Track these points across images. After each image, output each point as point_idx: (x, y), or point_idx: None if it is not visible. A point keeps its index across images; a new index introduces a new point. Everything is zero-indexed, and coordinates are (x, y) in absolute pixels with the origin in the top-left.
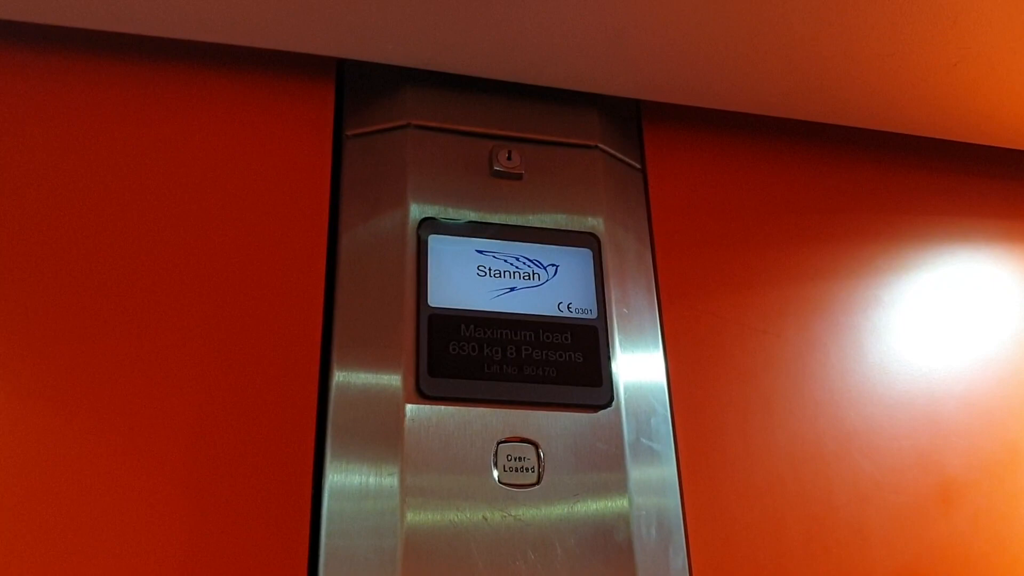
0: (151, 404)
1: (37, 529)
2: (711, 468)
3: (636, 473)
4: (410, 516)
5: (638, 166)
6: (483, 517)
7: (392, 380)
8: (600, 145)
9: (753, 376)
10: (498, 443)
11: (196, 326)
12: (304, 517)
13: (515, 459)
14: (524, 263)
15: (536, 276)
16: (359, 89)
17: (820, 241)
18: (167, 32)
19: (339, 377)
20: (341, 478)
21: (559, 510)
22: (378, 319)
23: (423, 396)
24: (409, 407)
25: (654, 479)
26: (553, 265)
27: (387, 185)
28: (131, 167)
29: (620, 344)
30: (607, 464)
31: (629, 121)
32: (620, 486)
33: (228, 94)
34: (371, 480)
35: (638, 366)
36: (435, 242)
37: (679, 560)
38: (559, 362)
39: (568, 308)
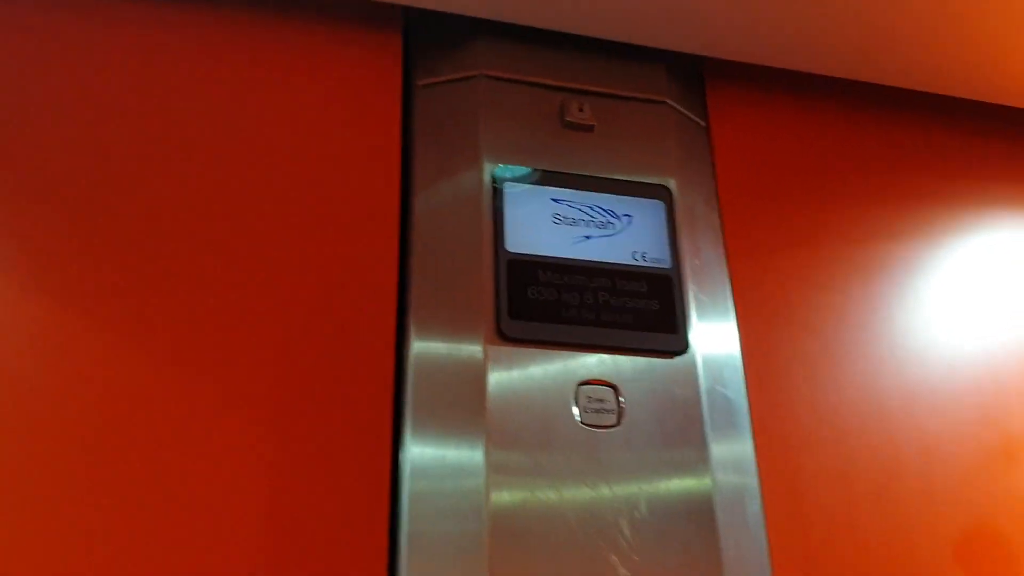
0: (227, 371)
1: (126, 471)
2: (781, 418)
3: (712, 419)
4: (494, 493)
5: (703, 123)
6: (566, 462)
7: (473, 339)
8: (668, 101)
9: (819, 331)
10: (578, 385)
11: (271, 289)
12: (383, 498)
13: (595, 400)
14: (599, 212)
15: (611, 225)
16: (428, 39)
17: (884, 201)
18: None
19: (417, 342)
20: (421, 453)
21: (640, 454)
22: (457, 268)
23: (505, 338)
24: (492, 349)
25: (728, 427)
26: (627, 216)
27: (460, 135)
28: (202, 120)
29: (693, 295)
30: (685, 410)
31: (694, 78)
32: (697, 432)
33: (296, 45)
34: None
35: (711, 317)
36: (511, 190)
37: (754, 505)
38: (636, 309)
39: (643, 257)
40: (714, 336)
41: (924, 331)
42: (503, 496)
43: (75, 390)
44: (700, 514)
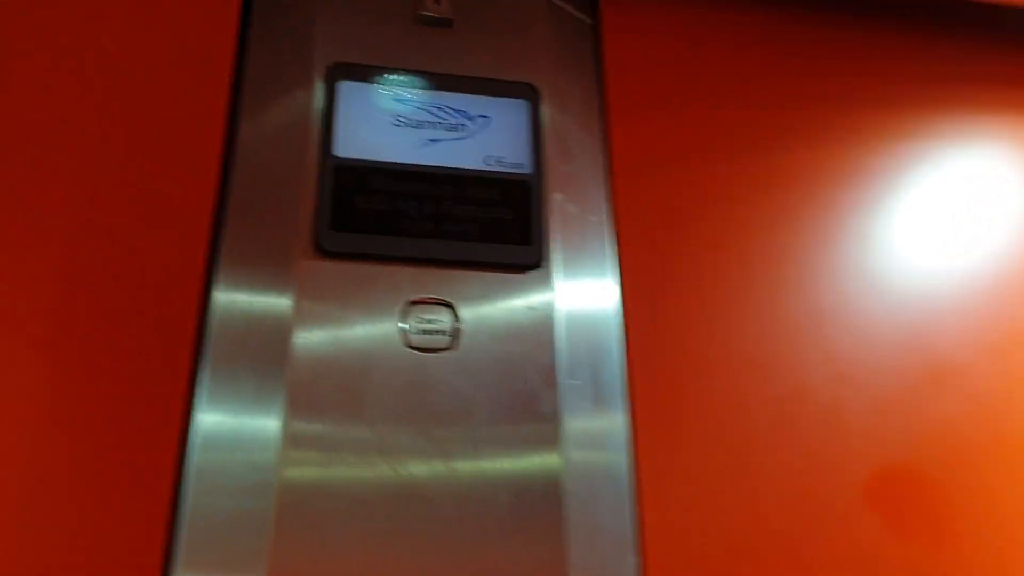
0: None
1: None
2: (660, 337)
3: (572, 341)
4: (289, 468)
5: (589, 20)
6: (382, 389)
7: (285, 264)
8: None
9: (714, 249)
10: (408, 303)
11: (66, 212)
12: (167, 470)
13: (426, 320)
14: (449, 113)
15: (462, 128)
16: None
17: (796, 107)
18: None
19: (222, 287)
20: (215, 421)
21: (475, 386)
22: (277, 183)
23: (325, 254)
24: (307, 267)
25: (594, 345)
26: (483, 116)
27: (295, 38)
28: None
29: (558, 204)
30: (536, 338)
31: None
32: (547, 354)
33: None
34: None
35: (580, 232)
36: (345, 90)
37: (616, 420)
38: (484, 219)
39: (498, 162)
40: (582, 250)
41: (839, 247)
42: (298, 472)
43: None
44: (545, 487)
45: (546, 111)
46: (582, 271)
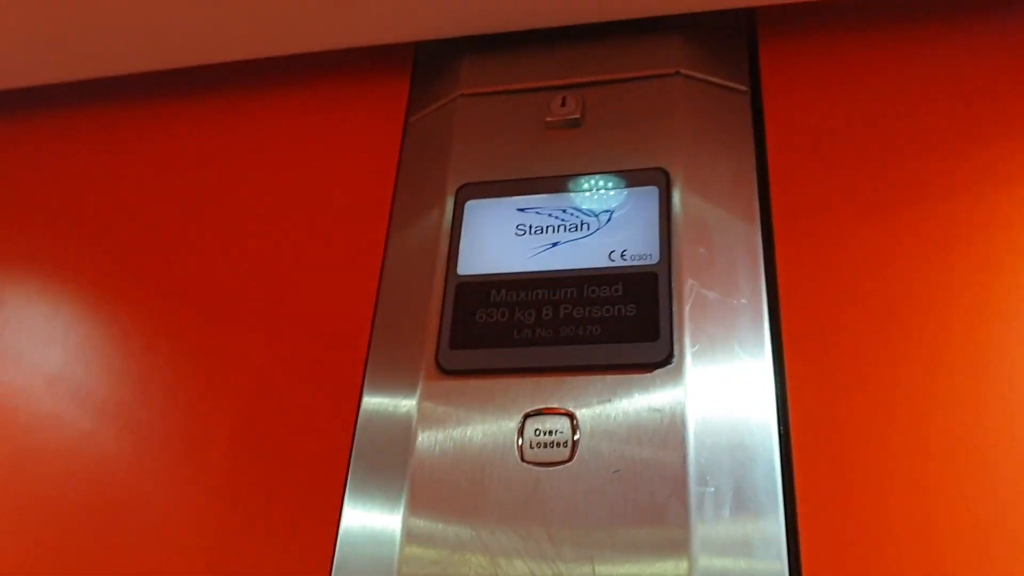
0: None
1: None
2: (832, 432)
3: (706, 442)
4: (405, 566)
5: (743, 87)
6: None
7: (412, 383)
8: (681, 71)
9: (898, 323)
10: (524, 416)
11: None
12: (325, 564)
13: (544, 433)
14: (572, 214)
15: (584, 226)
16: (424, 74)
17: (987, 144)
18: (259, 53)
19: (366, 395)
20: (354, 518)
21: (595, 495)
22: (410, 302)
23: (443, 371)
24: (428, 387)
25: (736, 444)
26: (606, 212)
27: (434, 163)
28: (228, 193)
29: (694, 291)
30: (660, 434)
31: (734, 40)
32: (675, 458)
33: (307, 108)
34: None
35: (720, 315)
36: (472, 208)
37: (767, 526)
38: (605, 318)
39: (622, 256)
40: (724, 344)
41: None
42: (415, 570)
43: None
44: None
45: (680, 195)
46: (723, 363)
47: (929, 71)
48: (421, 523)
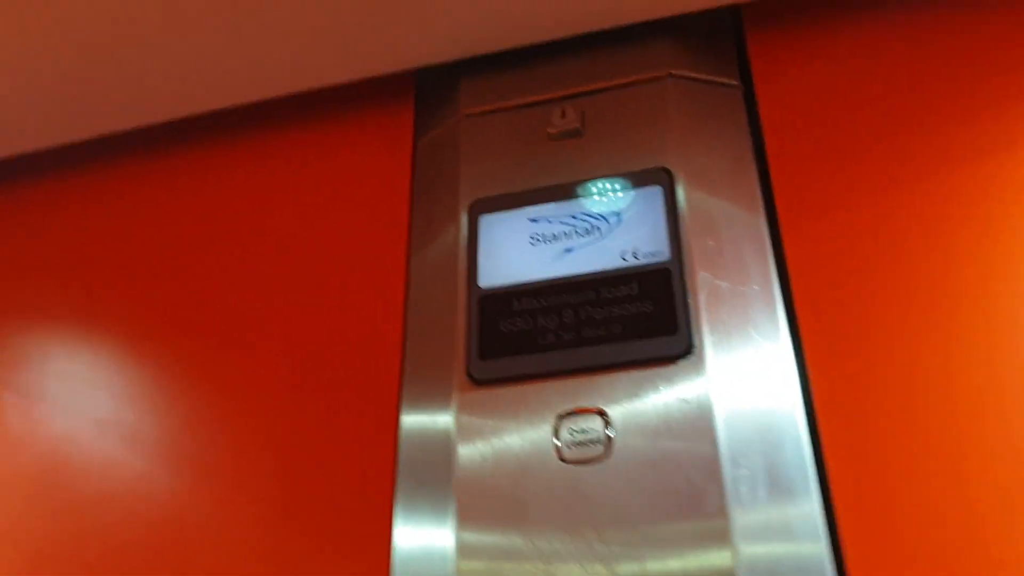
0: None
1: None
2: (856, 407)
3: (735, 427)
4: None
5: (734, 83)
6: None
7: (447, 397)
8: (672, 72)
9: (913, 297)
10: (558, 418)
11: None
12: None
13: (578, 432)
14: (581, 220)
15: (596, 231)
16: (427, 99)
17: (991, 122)
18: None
19: (404, 413)
20: (406, 537)
21: (637, 489)
22: (437, 319)
23: (474, 382)
24: (462, 399)
25: (764, 426)
26: (615, 214)
27: (444, 183)
28: (249, 230)
29: (705, 284)
30: (690, 423)
31: (723, 37)
32: (707, 445)
33: (316, 142)
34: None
35: (734, 303)
36: (486, 222)
37: (805, 507)
38: (625, 316)
39: (634, 256)
40: (741, 331)
41: None
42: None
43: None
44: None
45: (684, 191)
46: (743, 349)
47: (913, 49)
48: (472, 536)
